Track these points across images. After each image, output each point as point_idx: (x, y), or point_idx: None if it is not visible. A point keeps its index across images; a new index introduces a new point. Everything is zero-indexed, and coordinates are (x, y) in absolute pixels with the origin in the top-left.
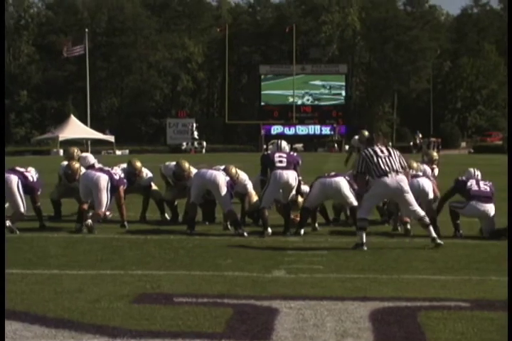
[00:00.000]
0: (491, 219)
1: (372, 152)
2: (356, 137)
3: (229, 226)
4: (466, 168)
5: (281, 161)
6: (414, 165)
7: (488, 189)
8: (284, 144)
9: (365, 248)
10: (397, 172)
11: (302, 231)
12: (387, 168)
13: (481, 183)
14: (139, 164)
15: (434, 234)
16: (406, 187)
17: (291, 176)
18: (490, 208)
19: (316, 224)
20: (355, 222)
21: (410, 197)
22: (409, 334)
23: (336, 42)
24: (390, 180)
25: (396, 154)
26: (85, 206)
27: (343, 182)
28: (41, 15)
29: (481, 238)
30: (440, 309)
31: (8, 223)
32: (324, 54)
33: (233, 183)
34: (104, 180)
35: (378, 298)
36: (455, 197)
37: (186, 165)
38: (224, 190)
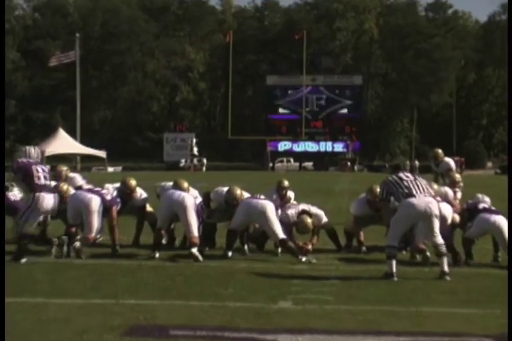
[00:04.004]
0: (504, 232)
1: (396, 177)
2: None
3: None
4: (491, 190)
5: None
6: (435, 187)
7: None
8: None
9: (396, 278)
10: (425, 194)
11: (230, 254)
12: (414, 190)
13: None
14: (133, 183)
15: (446, 268)
16: (436, 210)
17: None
18: (500, 219)
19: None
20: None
21: (437, 222)
22: None
23: (351, 50)
24: (418, 200)
25: (422, 181)
26: (73, 229)
27: (269, 206)
28: (27, 18)
29: (503, 267)
30: None
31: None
32: (337, 64)
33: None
34: (95, 202)
35: (393, 333)
36: None
37: (185, 184)
38: (191, 214)
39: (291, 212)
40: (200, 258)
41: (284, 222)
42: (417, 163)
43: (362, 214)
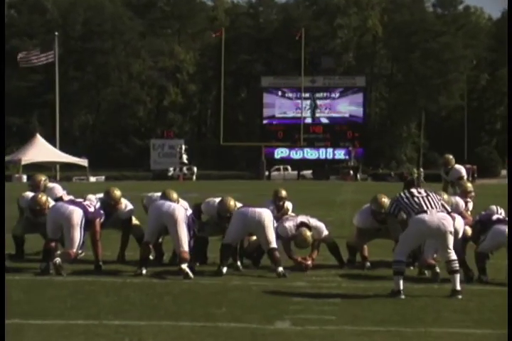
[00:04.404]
0: None
1: (408, 193)
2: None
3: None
4: (506, 200)
5: None
6: (444, 197)
7: None
8: None
9: (403, 296)
10: (437, 210)
11: (225, 270)
12: (425, 206)
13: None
14: (118, 193)
15: (458, 286)
16: (450, 227)
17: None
18: None
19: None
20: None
21: (451, 239)
22: None
23: (353, 49)
24: (430, 217)
25: (436, 196)
26: (53, 243)
27: (267, 214)
28: None
29: None
30: None
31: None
32: (338, 64)
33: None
34: (77, 214)
35: None
36: None
37: (175, 195)
38: (181, 227)
39: (289, 224)
40: (191, 274)
41: (282, 235)
42: (421, 170)
43: (366, 227)
